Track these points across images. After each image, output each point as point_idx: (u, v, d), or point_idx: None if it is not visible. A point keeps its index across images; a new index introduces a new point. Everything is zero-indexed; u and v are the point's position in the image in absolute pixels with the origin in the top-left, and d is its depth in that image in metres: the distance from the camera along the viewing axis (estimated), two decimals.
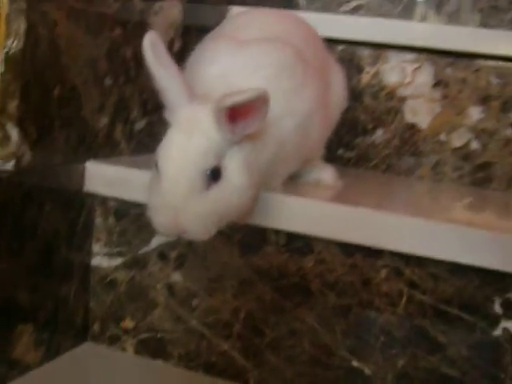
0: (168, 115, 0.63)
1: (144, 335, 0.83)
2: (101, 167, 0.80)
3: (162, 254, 0.81)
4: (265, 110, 0.59)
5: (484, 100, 1.07)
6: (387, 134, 1.12)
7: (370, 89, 1.12)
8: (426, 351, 0.72)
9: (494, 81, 1.06)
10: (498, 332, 0.69)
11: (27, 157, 0.69)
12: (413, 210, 0.80)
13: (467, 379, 0.70)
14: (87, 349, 0.84)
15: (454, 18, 1.39)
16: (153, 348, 0.83)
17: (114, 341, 0.84)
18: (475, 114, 1.07)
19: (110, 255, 0.83)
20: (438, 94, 1.09)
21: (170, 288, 0.81)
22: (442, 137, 1.09)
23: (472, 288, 0.70)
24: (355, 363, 0.74)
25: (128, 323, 0.84)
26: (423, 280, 0.71)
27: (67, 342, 0.81)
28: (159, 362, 0.83)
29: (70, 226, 0.79)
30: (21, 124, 0.68)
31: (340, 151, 1.14)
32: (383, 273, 0.73)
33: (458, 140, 1.08)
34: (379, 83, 1.12)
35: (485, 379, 0.70)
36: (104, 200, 0.83)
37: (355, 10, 1.46)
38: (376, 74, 1.12)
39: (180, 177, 0.58)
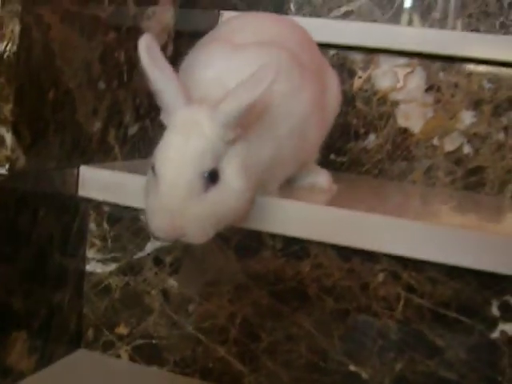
0: (164, 118, 0.63)
1: (139, 341, 0.82)
2: (95, 172, 0.79)
3: (157, 259, 0.81)
4: (263, 109, 0.58)
5: (476, 104, 1.07)
6: (379, 138, 1.12)
7: (362, 93, 1.12)
8: (424, 355, 0.72)
9: (486, 85, 1.07)
10: (495, 335, 0.69)
11: (21, 161, 0.69)
12: (408, 213, 0.80)
13: (465, 382, 0.70)
14: (81, 356, 0.83)
15: (441, 24, 1.40)
16: (148, 354, 0.82)
17: (108, 347, 0.83)
18: (467, 118, 1.08)
19: (104, 261, 0.82)
20: (430, 98, 1.09)
21: (166, 293, 0.81)
22: (435, 141, 1.10)
23: (470, 291, 0.70)
24: (352, 367, 0.74)
25: (122, 329, 0.83)
26: (421, 284, 0.71)
27: (61, 349, 0.80)
28: (154, 369, 0.82)
29: (64, 231, 0.78)
30: (15, 128, 0.67)
31: (332, 156, 1.14)
32: (380, 277, 0.72)
33: (450, 144, 1.09)
34: (371, 88, 1.12)
35: (483, 382, 0.70)
36: (98, 205, 0.82)
37: (345, 16, 1.47)
38: (368, 79, 1.12)
39: (178, 179, 0.57)
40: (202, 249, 0.78)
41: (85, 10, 0.76)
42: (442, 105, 1.09)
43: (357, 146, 1.13)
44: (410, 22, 1.42)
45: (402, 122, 1.11)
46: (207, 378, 0.79)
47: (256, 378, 0.77)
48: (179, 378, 0.80)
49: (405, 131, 1.11)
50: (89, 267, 0.83)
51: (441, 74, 1.09)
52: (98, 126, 0.82)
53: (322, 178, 0.85)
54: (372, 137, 1.12)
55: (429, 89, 1.09)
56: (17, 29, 0.65)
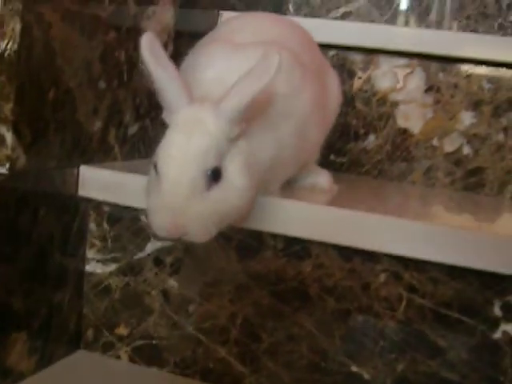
0: (166, 116, 0.63)
1: (139, 342, 0.82)
2: (95, 171, 0.79)
3: (157, 260, 0.80)
4: (267, 100, 0.58)
5: (476, 105, 1.07)
6: (379, 139, 1.12)
7: (361, 94, 1.12)
8: (426, 355, 0.71)
9: (486, 86, 1.07)
10: (497, 335, 0.69)
11: (22, 160, 0.68)
12: (409, 213, 0.80)
13: (467, 383, 0.70)
14: (80, 357, 0.83)
15: (439, 26, 1.40)
16: (148, 355, 0.82)
17: (107, 348, 0.83)
18: (467, 119, 1.08)
19: (104, 261, 0.82)
20: (429, 99, 1.09)
21: (166, 294, 0.80)
22: (434, 142, 1.10)
23: (471, 291, 0.70)
24: (354, 368, 0.74)
25: (122, 330, 0.82)
26: (422, 284, 0.71)
27: (60, 349, 0.80)
28: (154, 370, 0.81)
29: (64, 231, 0.77)
30: (15, 127, 0.66)
31: (332, 157, 1.14)
32: (382, 277, 0.72)
33: (450, 145, 1.09)
34: (371, 88, 1.12)
35: (485, 382, 0.69)
36: (98, 205, 0.81)
37: (343, 17, 1.46)
38: (368, 80, 1.12)
39: (181, 177, 0.57)
40: (202, 249, 0.78)
41: (85, 9, 0.75)
42: (441, 105, 1.09)
43: (356, 146, 1.13)
44: (407, 24, 1.42)
45: (401, 122, 1.11)
46: (208, 379, 0.79)
47: (257, 378, 0.77)
48: (179, 379, 0.80)
49: (404, 132, 1.11)
50: (89, 267, 0.83)
51: (440, 75, 1.09)
52: (98, 125, 0.81)
53: (323, 179, 0.85)
54: (372, 137, 1.12)
55: (428, 89, 1.09)
56: (17, 27, 0.64)
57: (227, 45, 0.71)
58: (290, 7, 1.51)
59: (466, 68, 1.08)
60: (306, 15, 1.47)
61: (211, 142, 0.58)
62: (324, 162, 0.91)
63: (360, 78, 1.12)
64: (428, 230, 0.67)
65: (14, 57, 0.65)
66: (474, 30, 1.34)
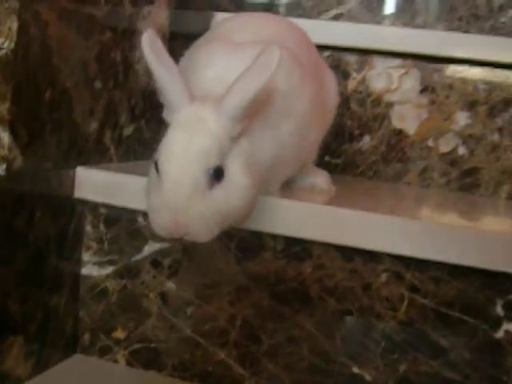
0: (167, 115, 0.62)
1: (136, 346, 0.81)
2: (91, 173, 0.78)
3: (155, 262, 0.79)
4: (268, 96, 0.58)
5: (471, 105, 1.07)
6: (374, 140, 1.12)
7: (356, 95, 1.12)
8: (428, 355, 0.71)
9: (481, 86, 1.07)
10: (500, 334, 0.69)
11: (18, 161, 0.67)
12: (409, 214, 0.79)
13: (469, 383, 0.70)
14: (77, 361, 0.81)
15: (430, 27, 1.40)
16: (145, 359, 0.80)
17: (104, 352, 0.82)
18: (462, 119, 1.08)
19: (101, 263, 0.81)
20: (425, 99, 1.09)
21: (164, 296, 0.79)
22: (430, 142, 1.09)
23: (473, 290, 0.69)
24: (355, 369, 0.73)
25: (119, 334, 0.81)
26: (424, 284, 0.71)
27: (57, 354, 0.79)
28: (152, 373, 0.80)
29: (61, 233, 0.76)
30: (12, 127, 0.65)
31: (327, 158, 1.14)
32: (383, 277, 0.72)
33: (445, 145, 1.09)
34: (366, 89, 1.12)
35: (487, 382, 0.69)
36: (94, 207, 0.80)
37: (335, 19, 1.46)
38: (362, 80, 1.12)
39: (183, 176, 0.56)
40: (201, 250, 0.77)
41: (81, 8, 0.74)
42: (436, 106, 1.09)
43: (351, 147, 1.13)
44: (398, 25, 1.42)
45: (396, 123, 1.10)
46: (207, 382, 0.78)
47: (257, 381, 0.76)
48: (178, 382, 0.79)
49: (399, 132, 1.11)
50: (85, 270, 0.81)
51: (435, 75, 1.09)
52: (94, 126, 0.80)
53: (321, 179, 0.85)
54: (367, 138, 1.12)
55: (423, 90, 1.09)
56: (14, 26, 0.63)
57: (227, 44, 0.70)
58: (281, 9, 1.50)
59: (460, 69, 1.08)
60: (297, 17, 1.46)
61: (213, 141, 0.58)
62: (319, 163, 0.90)
63: (355, 78, 1.12)
64: (429, 229, 0.67)
65: (10, 56, 0.64)
66: (466, 32, 1.34)
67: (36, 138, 0.69)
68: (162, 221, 0.57)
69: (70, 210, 0.78)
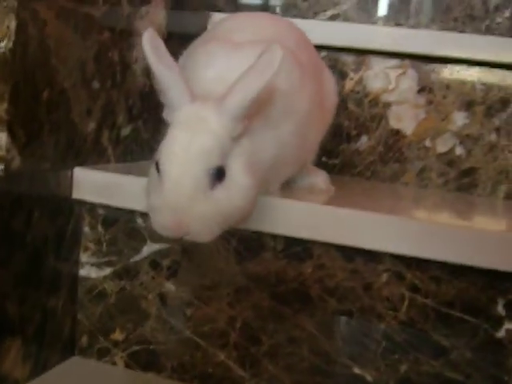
0: (167, 115, 0.61)
1: (135, 348, 0.80)
2: (89, 173, 0.77)
3: (154, 263, 0.79)
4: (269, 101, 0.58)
5: (468, 105, 1.07)
6: (372, 140, 1.11)
7: (353, 95, 1.12)
8: (429, 355, 0.71)
9: (478, 86, 1.07)
10: (501, 334, 0.69)
11: (16, 161, 0.66)
12: (410, 213, 0.79)
13: (471, 382, 0.70)
14: (75, 363, 0.81)
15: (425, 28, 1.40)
16: (144, 361, 0.80)
17: (103, 354, 0.81)
18: (460, 119, 1.08)
19: (99, 265, 0.80)
20: (422, 99, 1.09)
21: (163, 297, 0.79)
22: (427, 143, 1.09)
23: (474, 290, 0.69)
24: (356, 370, 0.73)
25: (118, 335, 0.81)
26: (425, 283, 0.70)
27: (55, 356, 0.78)
28: (151, 376, 0.80)
29: (58, 234, 0.76)
30: (10, 127, 0.65)
31: (324, 158, 1.14)
32: (384, 277, 0.72)
33: (442, 146, 1.09)
34: (363, 89, 1.12)
35: (489, 382, 0.69)
36: (92, 207, 0.80)
37: (331, 20, 1.46)
38: (360, 81, 1.12)
39: (184, 176, 0.56)
40: (200, 251, 0.76)
41: (79, 7, 0.74)
42: (434, 106, 1.09)
43: (349, 148, 1.13)
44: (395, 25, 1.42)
45: (394, 123, 1.10)
46: None
47: (257, 382, 0.76)
48: None
49: (397, 133, 1.10)
50: (83, 271, 0.81)
51: (433, 76, 1.09)
52: (92, 126, 0.80)
53: (320, 179, 0.85)
54: (364, 138, 1.12)
55: (421, 90, 1.09)
56: (13, 24, 0.63)
57: (226, 43, 0.69)
58: (277, 10, 1.50)
59: (457, 69, 1.08)
60: (292, 17, 1.46)
61: (215, 141, 0.57)
62: (316, 164, 0.90)
63: (352, 79, 1.12)
64: (430, 229, 0.67)
65: (9, 55, 0.63)
66: (462, 32, 1.34)
67: (34, 139, 0.69)
68: (163, 220, 0.56)
69: (68, 210, 0.77)
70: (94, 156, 0.81)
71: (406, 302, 0.71)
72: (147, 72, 0.92)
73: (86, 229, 0.80)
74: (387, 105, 1.10)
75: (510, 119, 1.06)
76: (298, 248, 0.73)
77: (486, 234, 0.66)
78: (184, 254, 0.77)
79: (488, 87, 1.07)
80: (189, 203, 0.55)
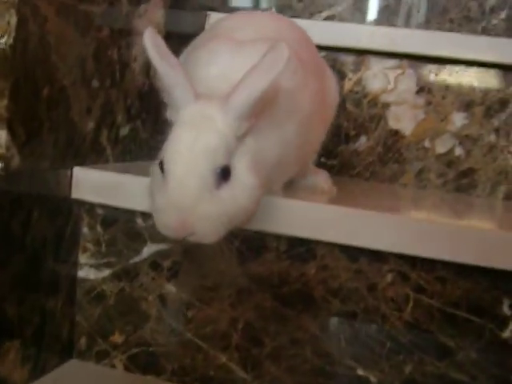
0: (171, 114, 0.60)
1: (134, 350, 0.79)
2: (88, 173, 0.76)
3: (154, 264, 0.77)
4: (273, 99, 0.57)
5: (467, 106, 1.07)
6: (370, 141, 1.11)
7: (352, 95, 1.11)
8: (434, 356, 0.70)
9: (477, 87, 1.07)
10: (507, 334, 0.68)
11: (16, 160, 0.65)
12: (413, 214, 0.79)
13: (476, 383, 0.69)
14: (73, 366, 0.79)
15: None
16: (144, 363, 0.79)
17: (101, 357, 0.80)
18: (459, 120, 1.07)
19: (98, 266, 0.79)
20: (421, 100, 1.09)
21: (163, 299, 0.78)
22: (426, 143, 1.09)
23: (480, 290, 0.69)
24: (360, 371, 0.72)
25: (117, 338, 0.79)
26: (430, 283, 0.70)
27: (53, 358, 0.76)
28: (151, 378, 0.78)
29: (57, 235, 0.74)
30: (10, 125, 0.63)
31: (323, 159, 1.13)
32: (389, 277, 0.71)
33: (441, 146, 1.08)
34: (362, 90, 1.11)
35: (494, 382, 0.68)
36: (91, 208, 0.78)
37: (327, 20, 1.45)
38: (359, 81, 1.11)
39: (189, 175, 0.55)
40: (202, 251, 0.75)
41: (79, 4, 0.73)
42: (433, 106, 1.08)
43: (348, 148, 1.12)
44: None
45: (393, 124, 1.10)
46: None
47: None
48: None
49: (396, 133, 1.10)
50: (81, 273, 0.79)
51: (432, 76, 1.08)
52: (91, 125, 0.79)
53: (322, 179, 0.84)
54: (363, 139, 1.11)
55: (420, 90, 1.09)
56: (13, 20, 0.62)
57: (229, 41, 0.69)
58: (273, 11, 1.50)
59: (456, 69, 1.08)
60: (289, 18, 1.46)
61: (220, 140, 0.56)
62: (315, 165, 0.89)
63: (351, 79, 1.11)
64: (436, 228, 0.66)
65: (9, 51, 0.62)
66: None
67: (33, 137, 0.67)
68: (167, 220, 0.55)
69: (67, 211, 0.76)
70: (92, 155, 0.80)
71: (411, 303, 0.70)
72: (146, 71, 0.91)
73: (85, 229, 0.79)
74: (386, 105, 1.10)
75: (509, 120, 1.06)
76: (302, 248, 0.73)
77: (491, 233, 0.66)
78: (185, 255, 0.76)
79: (487, 88, 1.06)
80: (194, 203, 0.54)
